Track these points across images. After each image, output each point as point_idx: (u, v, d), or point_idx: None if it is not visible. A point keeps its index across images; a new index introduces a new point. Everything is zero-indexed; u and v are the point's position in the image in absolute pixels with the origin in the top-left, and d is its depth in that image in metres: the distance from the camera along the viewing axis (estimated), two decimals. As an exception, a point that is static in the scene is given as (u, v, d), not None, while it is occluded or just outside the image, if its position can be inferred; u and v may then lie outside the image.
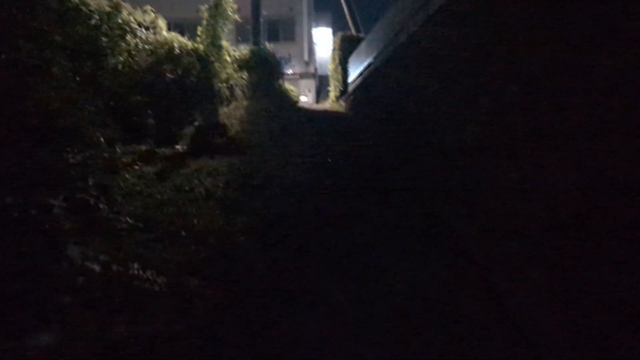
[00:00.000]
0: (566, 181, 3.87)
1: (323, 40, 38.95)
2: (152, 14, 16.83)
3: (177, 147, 9.83)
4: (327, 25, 39.34)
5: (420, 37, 9.66)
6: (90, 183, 6.26)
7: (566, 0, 4.20)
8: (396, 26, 12.20)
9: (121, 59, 12.07)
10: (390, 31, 12.72)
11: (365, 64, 14.89)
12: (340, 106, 17.37)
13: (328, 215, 5.76)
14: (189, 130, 11.24)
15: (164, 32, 16.97)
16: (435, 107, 8.32)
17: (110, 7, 14.12)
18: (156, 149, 9.95)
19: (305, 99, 31.53)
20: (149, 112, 11.27)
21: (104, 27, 11.54)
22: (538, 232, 4.14)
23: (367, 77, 14.37)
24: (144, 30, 15.74)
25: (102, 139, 8.46)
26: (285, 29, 33.68)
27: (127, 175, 7.44)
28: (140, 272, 4.07)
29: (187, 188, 6.73)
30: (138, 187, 6.89)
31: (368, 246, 4.92)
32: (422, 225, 5.51)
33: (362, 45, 15.54)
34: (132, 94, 11.40)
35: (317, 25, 37.27)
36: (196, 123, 10.95)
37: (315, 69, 36.10)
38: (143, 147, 10.28)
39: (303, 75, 34.68)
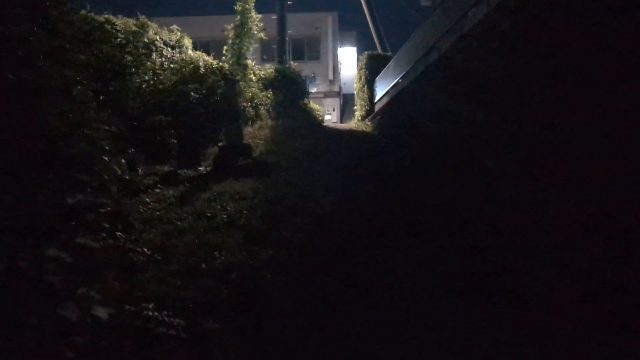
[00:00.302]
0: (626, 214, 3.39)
1: (348, 59, 38.78)
2: (178, 33, 16.85)
3: (200, 168, 9.52)
4: (352, 45, 39.19)
5: (453, 56, 9.23)
6: (105, 211, 5.95)
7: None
8: (426, 45, 11.80)
9: (146, 77, 11.95)
10: (419, 50, 12.33)
11: (393, 83, 14.51)
12: (366, 126, 16.98)
13: (357, 249, 5.33)
14: (212, 150, 10.97)
15: (190, 51, 16.97)
16: (472, 130, 7.86)
17: (137, 26, 14.13)
18: (178, 171, 9.67)
19: (330, 118, 31.29)
20: (172, 132, 11.06)
21: (130, 46, 11.43)
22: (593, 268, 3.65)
23: (395, 97, 13.97)
24: (169, 49, 15.74)
25: (122, 161, 8.22)
26: (310, 48, 33.60)
27: (147, 199, 7.12)
28: (155, 314, 3.69)
29: (209, 214, 6.37)
30: (158, 212, 6.56)
31: (404, 285, 4.46)
32: (463, 260, 5.03)
33: (390, 64, 15.18)
34: (155, 114, 11.23)
35: (342, 45, 37.14)
36: (220, 143, 10.65)
37: (340, 88, 35.89)
38: (165, 168, 10.03)
39: (327, 94, 34.48)
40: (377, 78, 17.30)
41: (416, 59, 12.43)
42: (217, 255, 4.85)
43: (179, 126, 10.89)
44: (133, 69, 11.37)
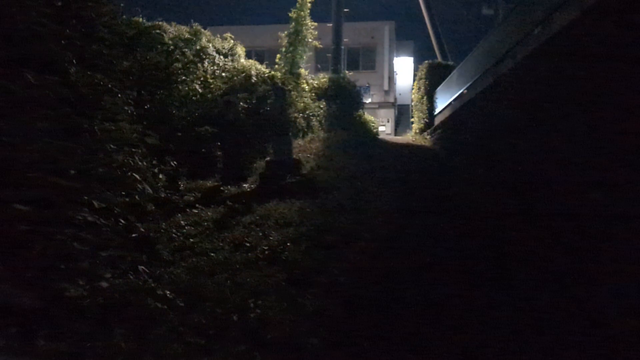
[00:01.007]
0: None
1: (403, 69, 37.54)
2: (232, 41, 16.28)
3: (245, 185, 8.68)
4: (409, 54, 37.90)
5: (533, 64, 8.01)
6: (134, 236, 5.13)
7: None
8: (498, 53, 10.57)
9: (194, 86, 11.32)
10: (489, 59, 11.10)
11: (456, 94, 13.29)
12: (425, 140, 15.79)
13: (422, 297, 4.25)
14: (259, 164, 10.14)
15: (242, 59, 16.37)
16: (554, 152, 6.63)
17: (190, 33, 13.60)
18: (221, 187, 8.87)
19: (384, 129, 30.13)
20: (218, 143, 10.31)
21: (177, 52, 10.81)
22: None
23: (459, 110, 12.75)
24: (222, 57, 15.17)
25: (160, 176, 7.48)
26: (366, 58, 32.63)
27: (182, 221, 6.31)
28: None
29: (248, 243, 5.46)
30: (192, 238, 5.71)
31: (495, 346, 3.37)
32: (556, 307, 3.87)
33: (453, 75, 13.97)
34: (202, 124, 10.54)
35: (398, 54, 35.94)
36: (268, 157, 9.81)
37: (395, 99, 34.68)
38: (209, 183, 9.26)
39: (382, 105, 33.35)
40: (437, 89, 16.09)
41: (485, 69, 11.21)
42: (252, 305, 3.90)
43: (225, 138, 10.13)
44: (182, 77, 10.75)
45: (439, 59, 20.45)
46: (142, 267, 4.58)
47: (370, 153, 12.59)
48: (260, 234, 5.89)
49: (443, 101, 15.09)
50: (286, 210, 6.85)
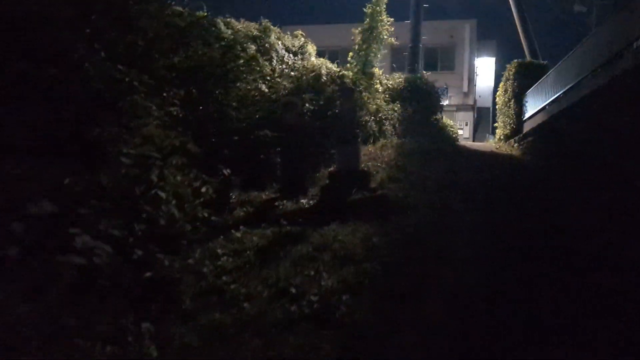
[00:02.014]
0: None
1: (484, 70, 35.01)
2: (302, 39, 15.11)
3: (303, 201, 7.36)
4: (491, 54, 35.34)
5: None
6: (149, 275, 3.93)
7: None
8: (610, 49, 8.61)
9: (260, 85, 10.18)
10: (597, 57, 9.14)
11: (553, 97, 11.32)
12: (512, 148, 13.81)
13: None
14: (322, 174, 8.81)
15: (313, 58, 15.17)
16: None
17: (259, 30, 12.53)
18: (277, 200, 7.61)
19: (462, 133, 27.97)
20: (278, 149, 9.08)
21: (237, 48, 9.68)
22: None
23: (557, 116, 10.79)
24: (291, 55, 14.05)
25: (203, 189, 6.29)
26: (444, 57, 30.59)
27: (219, 250, 5.07)
28: None
29: (294, 290, 4.10)
30: (225, 276, 4.45)
31: None
32: None
33: (550, 75, 11.97)
34: (262, 127, 9.37)
35: (479, 54, 33.46)
36: (331, 168, 8.47)
37: (475, 101, 32.29)
38: (264, 195, 8.04)
39: (460, 107, 31.15)
40: (528, 91, 14.05)
41: (592, 67, 9.24)
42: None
43: (287, 143, 8.86)
44: (243, 75, 9.60)
45: (528, 58, 18.22)
46: (147, 324, 3.35)
47: (450, 162, 10.91)
48: (312, 272, 4.51)
49: (535, 105, 13.08)
50: (348, 238, 5.44)
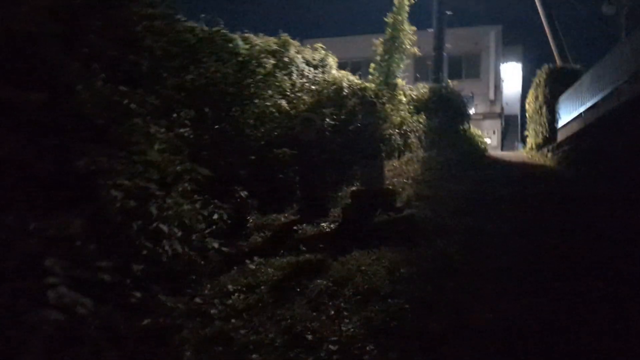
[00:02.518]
0: None
1: (510, 76, 34.05)
2: (322, 52, 14.68)
3: (323, 224, 6.85)
4: (517, 60, 34.37)
5: None
6: (146, 323, 3.48)
7: None
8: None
9: (278, 101, 9.77)
10: (638, 58, 8.43)
11: (590, 104, 10.58)
12: (546, 158, 13.06)
13: None
14: (344, 194, 8.29)
15: (334, 71, 14.71)
16: None
17: (278, 44, 12.15)
18: (297, 223, 7.12)
19: (490, 142, 27.08)
20: (297, 167, 8.62)
21: (253, 63, 9.29)
22: None
23: (595, 124, 10.05)
24: (312, 68, 13.61)
25: (216, 216, 5.83)
26: (469, 65, 29.76)
27: (230, 285, 4.61)
28: None
29: (309, 336, 3.59)
30: (234, 318, 3.97)
31: None
32: None
33: (584, 80, 11.24)
34: (280, 145, 8.93)
35: (504, 60, 32.53)
36: (354, 187, 7.95)
37: (502, 109, 31.34)
38: (282, 218, 7.57)
39: (487, 115, 30.20)
40: (561, 98, 13.30)
41: (634, 70, 8.54)
42: None
43: (306, 161, 8.39)
44: (261, 91, 9.19)
45: (558, 62, 17.40)
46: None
47: (480, 176, 10.27)
48: (332, 312, 4.00)
49: (569, 112, 12.32)
50: (372, 269, 4.91)
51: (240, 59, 8.93)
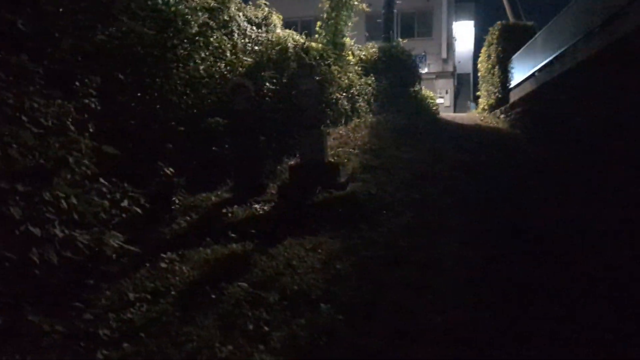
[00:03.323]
0: None
1: (463, 35, 33.57)
2: (266, 9, 13.54)
3: (256, 206, 6.07)
4: (469, 18, 33.84)
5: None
6: None
7: None
8: (612, 6, 7.35)
9: (221, 64, 8.76)
10: (595, 16, 7.86)
11: (543, 63, 10.07)
12: (498, 120, 12.60)
13: None
14: (285, 167, 7.51)
15: (279, 30, 13.66)
16: None
17: (217, 2, 10.96)
18: (227, 204, 6.31)
19: (442, 102, 26.70)
20: (231, 139, 7.74)
21: (179, 21, 8.18)
22: None
23: (549, 84, 9.54)
24: (254, 27, 12.54)
25: (125, 203, 4.94)
26: (421, 23, 28.97)
27: (131, 293, 3.81)
28: None
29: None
30: (127, 341, 3.19)
31: None
32: None
33: (537, 39, 10.68)
34: (214, 114, 8.00)
35: (457, 19, 31.91)
36: (291, 161, 7.16)
37: (454, 67, 30.90)
38: (213, 197, 6.75)
39: (440, 75, 29.71)
40: (514, 57, 12.77)
41: (589, 29, 7.99)
42: None
43: (242, 131, 7.50)
44: (188, 53, 8.12)
45: (512, 20, 16.84)
46: None
47: (431, 142, 9.65)
48: (250, 327, 3.28)
49: (522, 72, 11.82)
50: (305, 264, 4.21)
51: (164, 15, 7.80)
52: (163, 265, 4.29)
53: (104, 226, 4.39)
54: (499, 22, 14.23)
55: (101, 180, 4.60)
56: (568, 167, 6.84)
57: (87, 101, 5.47)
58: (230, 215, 5.80)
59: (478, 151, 8.70)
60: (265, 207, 5.95)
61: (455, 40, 31.68)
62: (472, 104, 29.35)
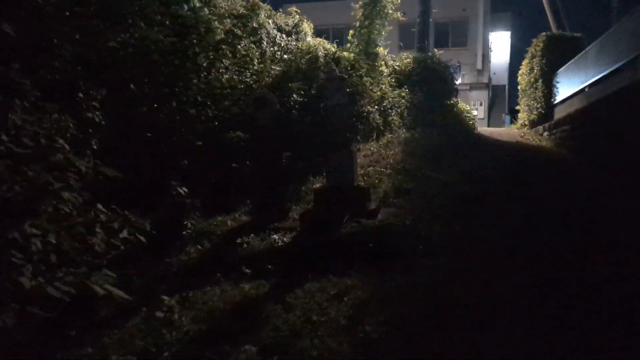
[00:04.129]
0: None
1: (498, 46, 32.39)
2: (297, 16, 12.94)
3: (275, 235, 5.33)
4: (506, 28, 32.64)
5: None
6: None
7: None
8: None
9: (247, 72, 8.15)
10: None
11: (596, 78, 9.08)
12: (541, 138, 11.60)
13: None
14: (309, 189, 6.78)
15: (309, 38, 13.05)
16: None
17: (246, 8, 10.39)
18: (244, 232, 5.61)
19: (476, 114, 25.62)
20: (252, 156, 7.06)
21: (201, 28, 7.57)
22: None
23: (602, 102, 8.55)
24: (284, 35, 11.94)
25: (124, 233, 4.27)
26: (456, 33, 28.02)
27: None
28: None
29: None
30: None
31: None
32: None
33: (591, 51, 9.69)
34: (235, 127, 7.36)
35: (493, 29, 30.79)
36: (319, 182, 6.42)
37: (489, 79, 29.76)
38: (229, 222, 6.06)
39: (474, 86, 28.66)
40: (560, 70, 11.76)
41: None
42: None
43: (265, 147, 6.80)
44: (209, 62, 7.50)
45: (553, 30, 15.78)
46: None
47: (469, 161, 8.78)
48: None
49: (570, 87, 10.82)
50: (328, 319, 3.45)
51: (180, 21, 7.19)
52: (159, 314, 3.59)
53: (95, 264, 3.72)
54: (543, 33, 13.23)
55: (99, 207, 3.95)
56: (618, 189, 5.89)
57: (90, 115, 4.87)
58: (246, 245, 5.09)
59: (524, 174, 7.78)
60: (285, 238, 5.21)
61: (491, 51, 30.56)
62: (507, 117, 28.16)
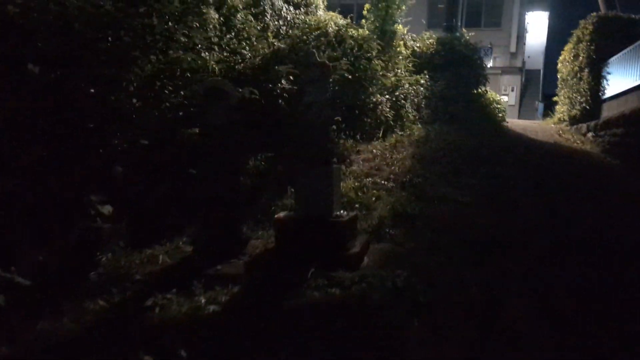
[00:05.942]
0: None
1: (535, 27, 29.69)
2: (309, -12, 11.12)
3: (202, 300, 3.62)
4: (543, 8, 29.86)
5: None
6: None
7: None
8: None
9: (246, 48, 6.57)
10: None
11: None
12: (584, 139, 9.60)
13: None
14: (278, 218, 5.06)
15: (320, 11, 11.28)
16: None
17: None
18: (169, 282, 3.96)
19: (506, 99, 23.32)
20: (202, 166, 5.32)
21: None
22: None
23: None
24: (291, 8, 10.23)
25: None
26: (489, 12, 25.58)
27: None
28: None
29: None
30: None
31: None
32: None
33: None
34: (192, 122, 5.68)
35: (530, 9, 28.09)
36: (281, 213, 4.69)
37: (523, 62, 27.24)
38: (162, 254, 4.41)
39: (506, 70, 26.24)
40: (612, 58, 9.65)
41: None
42: None
43: (230, 149, 5.07)
44: (170, 36, 5.80)
45: (602, 10, 13.47)
46: None
47: (498, 172, 6.93)
48: None
49: (625, 79, 8.76)
50: None
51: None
52: None
53: None
54: (594, 14, 11.00)
55: None
56: None
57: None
58: (158, 310, 3.43)
59: (569, 197, 5.90)
60: (222, 297, 3.52)
61: (527, 32, 27.91)
62: (540, 105, 25.78)
